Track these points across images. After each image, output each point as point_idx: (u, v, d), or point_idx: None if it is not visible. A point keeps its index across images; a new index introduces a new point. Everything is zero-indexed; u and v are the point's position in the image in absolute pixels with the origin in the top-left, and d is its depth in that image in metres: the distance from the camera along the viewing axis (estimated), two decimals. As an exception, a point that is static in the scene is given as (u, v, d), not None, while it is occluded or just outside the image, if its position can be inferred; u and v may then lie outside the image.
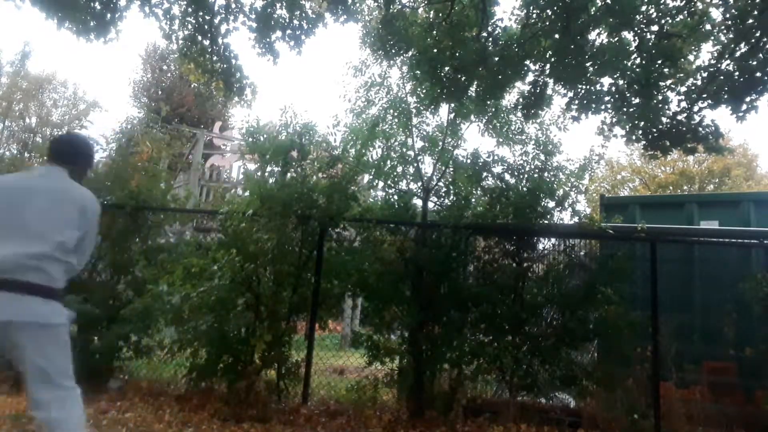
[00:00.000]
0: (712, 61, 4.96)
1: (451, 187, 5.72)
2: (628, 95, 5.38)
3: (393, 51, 6.26)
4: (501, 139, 7.02)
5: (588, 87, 5.63)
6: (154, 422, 3.90)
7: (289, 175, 5.03)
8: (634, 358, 4.49)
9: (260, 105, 68.07)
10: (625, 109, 5.43)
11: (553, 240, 5.11)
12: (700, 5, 5.12)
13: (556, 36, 5.44)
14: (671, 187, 23.29)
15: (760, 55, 4.50)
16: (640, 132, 5.34)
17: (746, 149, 24.50)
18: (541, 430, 4.24)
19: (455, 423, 4.25)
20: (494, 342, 4.56)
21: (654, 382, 4.33)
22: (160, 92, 27.09)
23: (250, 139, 5.13)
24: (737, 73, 4.65)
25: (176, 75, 25.80)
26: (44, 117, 27.98)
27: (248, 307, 4.54)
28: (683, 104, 5.18)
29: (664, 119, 5.27)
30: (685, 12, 5.11)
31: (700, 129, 5.09)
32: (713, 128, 5.08)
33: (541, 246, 5.06)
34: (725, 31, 4.98)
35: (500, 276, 4.82)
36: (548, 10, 5.40)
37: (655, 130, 5.28)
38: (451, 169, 6.46)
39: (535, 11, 5.65)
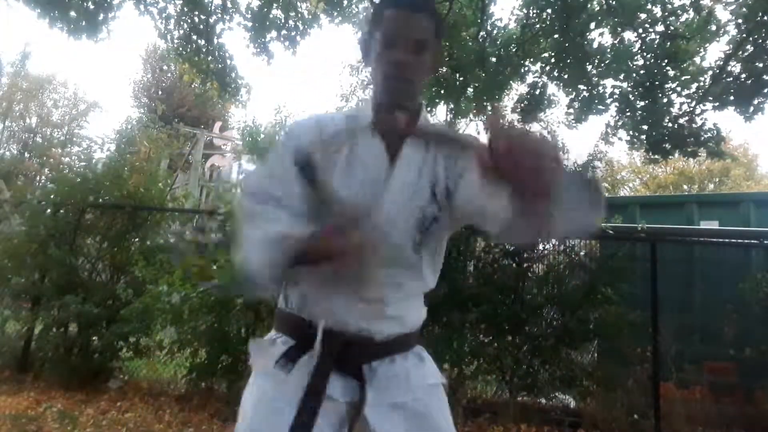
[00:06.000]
0: (719, 63, 4.93)
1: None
2: (631, 98, 5.36)
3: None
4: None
5: (590, 89, 5.61)
6: (155, 422, 3.90)
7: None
8: (634, 358, 4.49)
9: (258, 104, 68.00)
10: (628, 112, 5.41)
11: (553, 240, 5.09)
12: (707, 1, 5.08)
13: (556, 36, 5.43)
14: (671, 187, 23.29)
15: (767, 56, 4.47)
16: (644, 136, 5.32)
17: (746, 149, 24.52)
18: (541, 430, 4.23)
19: (455, 423, 4.23)
20: (494, 342, 4.56)
21: (654, 383, 4.32)
22: (160, 92, 27.09)
23: (248, 139, 5.13)
24: (744, 75, 4.62)
25: (176, 75, 25.78)
26: (44, 117, 28.00)
27: (248, 307, 4.52)
28: (685, 107, 5.16)
29: (666, 123, 5.25)
30: (691, 10, 5.07)
31: (702, 133, 5.08)
32: (715, 132, 5.06)
33: (541, 246, 5.05)
34: (736, 32, 4.94)
35: (500, 276, 4.81)
36: (548, 9, 5.39)
37: (657, 133, 5.26)
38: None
39: (534, 11, 5.64)
